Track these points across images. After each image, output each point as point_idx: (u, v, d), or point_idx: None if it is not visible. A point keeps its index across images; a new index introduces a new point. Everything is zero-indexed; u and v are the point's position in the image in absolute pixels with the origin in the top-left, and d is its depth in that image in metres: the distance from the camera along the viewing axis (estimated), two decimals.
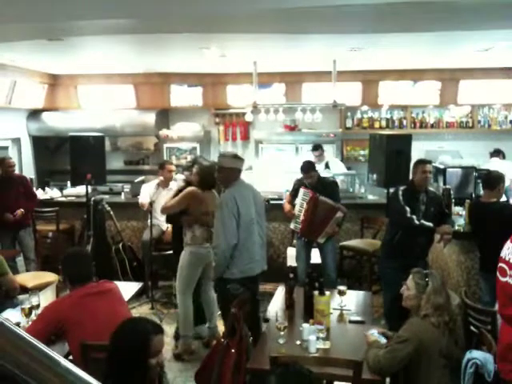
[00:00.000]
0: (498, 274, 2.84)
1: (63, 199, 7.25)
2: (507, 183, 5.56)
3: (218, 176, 4.24)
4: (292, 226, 5.51)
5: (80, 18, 4.07)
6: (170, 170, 6.08)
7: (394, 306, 3.36)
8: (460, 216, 5.43)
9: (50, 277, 5.02)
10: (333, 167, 6.98)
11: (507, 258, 2.76)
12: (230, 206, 3.99)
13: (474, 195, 5.99)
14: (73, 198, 7.21)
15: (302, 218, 5.30)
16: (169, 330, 5.01)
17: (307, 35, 5.29)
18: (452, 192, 5.64)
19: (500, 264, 2.84)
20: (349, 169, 7.74)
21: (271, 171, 7.79)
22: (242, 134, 8.75)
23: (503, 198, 5.07)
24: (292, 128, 8.26)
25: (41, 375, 0.85)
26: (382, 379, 2.94)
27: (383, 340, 3.13)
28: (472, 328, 3.49)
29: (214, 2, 3.81)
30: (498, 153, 7.28)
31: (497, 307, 3.11)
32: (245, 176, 6.25)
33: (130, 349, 2.22)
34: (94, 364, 2.65)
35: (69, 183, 7.14)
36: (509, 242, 2.81)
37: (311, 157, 6.79)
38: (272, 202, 5.78)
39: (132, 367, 2.20)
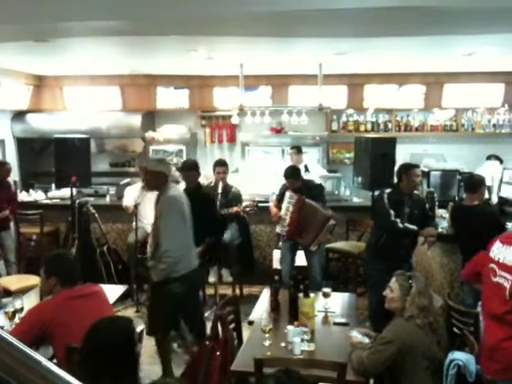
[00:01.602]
0: (489, 273, 2.87)
1: (48, 201, 7.18)
2: (489, 183, 5.65)
3: (145, 179, 4.27)
4: (278, 229, 5.53)
5: (67, 19, 4.05)
6: None
7: (380, 308, 3.39)
8: (443, 219, 5.50)
9: (34, 280, 4.97)
10: (312, 170, 7.02)
11: (496, 259, 2.80)
12: (176, 207, 4.06)
13: (457, 198, 6.07)
14: (57, 200, 7.15)
15: (288, 221, 5.32)
16: None
17: (294, 38, 5.32)
18: (436, 195, 5.71)
19: (491, 264, 2.86)
20: (334, 171, 7.78)
21: (258, 174, 7.80)
22: (228, 137, 8.75)
23: (486, 195, 5.14)
24: (278, 131, 8.29)
25: (22, 376, 0.85)
26: (365, 380, 2.97)
27: (366, 340, 3.16)
28: (455, 329, 3.53)
29: (202, 5, 3.82)
30: (489, 157, 7.34)
31: (480, 307, 3.14)
32: (231, 178, 6.33)
33: (121, 343, 2.23)
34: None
35: (53, 185, 7.09)
36: (498, 241, 2.86)
37: (290, 158, 6.83)
38: (259, 204, 5.78)
39: (125, 359, 2.21)
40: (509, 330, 2.70)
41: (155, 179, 4.14)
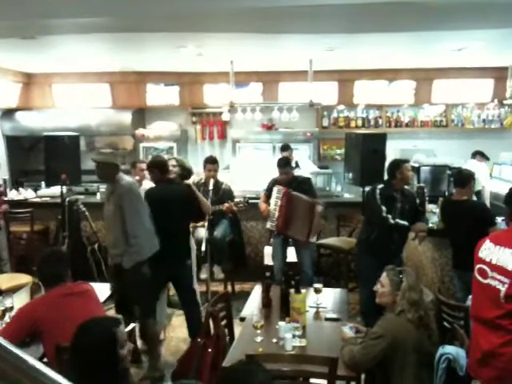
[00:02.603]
0: (476, 275, 2.77)
1: (38, 200, 7.14)
2: (478, 187, 5.64)
3: (97, 172, 4.42)
4: (268, 225, 5.54)
5: (55, 16, 4.03)
6: (141, 169, 6.05)
7: (371, 303, 3.40)
8: (434, 214, 5.53)
9: (25, 278, 4.95)
10: (303, 166, 7.03)
11: (488, 259, 2.70)
12: (137, 192, 4.29)
13: (447, 193, 6.10)
14: (47, 198, 7.11)
15: (277, 214, 5.34)
16: None
17: (284, 35, 5.31)
18: (426, 190, 5.73)
19: (479, 265, 2.76)
20: (325, 167, 7.79)
21: (249, 170, 7.80)
22: (219, 133, 8.73)
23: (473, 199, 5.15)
24: (269, 127, 8.28)
25: (7, 374, 0.84)
26: (357, 375, 2.99)
27: (358, 335, 3.18)
28: (445, 324, 3.55)
29: (191, 1, 3.80)
30: (475, 155, 7.32)
31: (470, 307, 3.05)
32: (223, 175, 6.32)
33: (101, 346, 2.21)
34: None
35: (43, 183, 7.05)
36: (488, 241, 2.76)
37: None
38: (250, 201, 5.78)
39: (106, 363, 2.20)
40: (505, 335, 2.56)
41: (107, 170, 4.32)
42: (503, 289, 2.57)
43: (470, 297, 3.56)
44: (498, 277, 2.61)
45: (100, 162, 4.35)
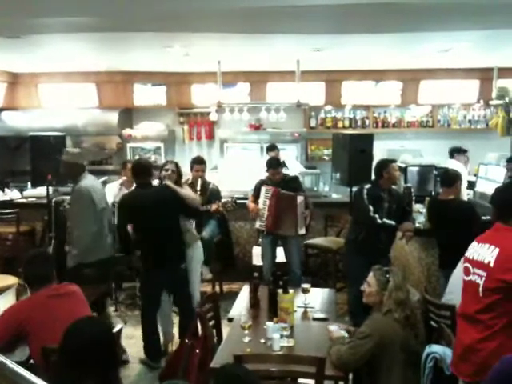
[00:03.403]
0: (462, 274, 2.85)
1: (23, 200, 7.07)
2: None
3: (62, 171, 4.57)
4: (257, 225, 5.54)
5: (41, 15, 4.00)
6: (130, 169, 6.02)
7: (359, 303, 3.41)
8: (420, 213, 5.56)
9: (10, 280, 4.88)
10: (290, 166, 7.04)
11: (471, 257, 2.77)
12: (86, 196, 4.36)
13: (433, 193, 6.13)
14: (33, 199, 7.03)
15: (266, 214, 5.35)
16: (134, 331, 4.95)
17: (271, 35, 5.32)
18: (413, 190, 5.77)
19: (464, 264, 2.84)
20: (313, 168, 7.80)
21: (236, 170, 7.78)
22: (206, 134, 8.71)
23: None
24: (257, 127, 8.28)
25: None
26: (344, 375, 2.99)
27: (345, 335, 3.19)
28: (432, 323, 3.57)
29: (178, 1, 3.79)
30: (452, 154, 7.21)
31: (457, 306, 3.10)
32: (211, 176, 6.30)
33: (96, 346, 2.19)
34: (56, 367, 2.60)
35: (29, 184, 6.98)
36: (474, 242, 2.83)
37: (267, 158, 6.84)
38: (238, 201, 5.76)
39: (100, 363, 2.18)
40: (484, 330, 2.60)
41: (70, 170, 4.46)
42: (481, 282, 2.64)
43: (446, 296, 3.63)
44: (478, 271, 2.68)
45: (63, 162, 4.45)
